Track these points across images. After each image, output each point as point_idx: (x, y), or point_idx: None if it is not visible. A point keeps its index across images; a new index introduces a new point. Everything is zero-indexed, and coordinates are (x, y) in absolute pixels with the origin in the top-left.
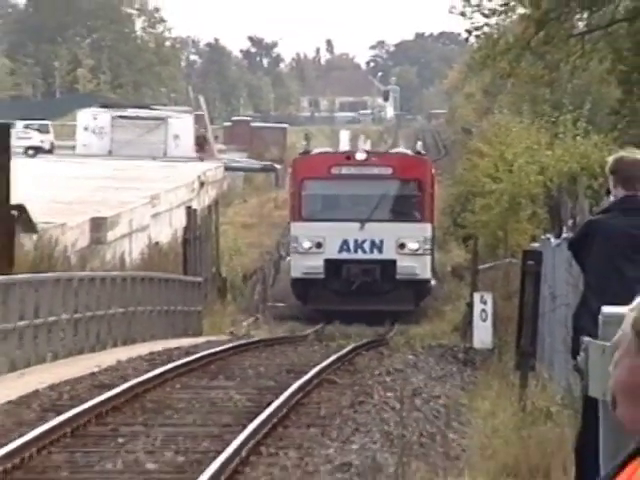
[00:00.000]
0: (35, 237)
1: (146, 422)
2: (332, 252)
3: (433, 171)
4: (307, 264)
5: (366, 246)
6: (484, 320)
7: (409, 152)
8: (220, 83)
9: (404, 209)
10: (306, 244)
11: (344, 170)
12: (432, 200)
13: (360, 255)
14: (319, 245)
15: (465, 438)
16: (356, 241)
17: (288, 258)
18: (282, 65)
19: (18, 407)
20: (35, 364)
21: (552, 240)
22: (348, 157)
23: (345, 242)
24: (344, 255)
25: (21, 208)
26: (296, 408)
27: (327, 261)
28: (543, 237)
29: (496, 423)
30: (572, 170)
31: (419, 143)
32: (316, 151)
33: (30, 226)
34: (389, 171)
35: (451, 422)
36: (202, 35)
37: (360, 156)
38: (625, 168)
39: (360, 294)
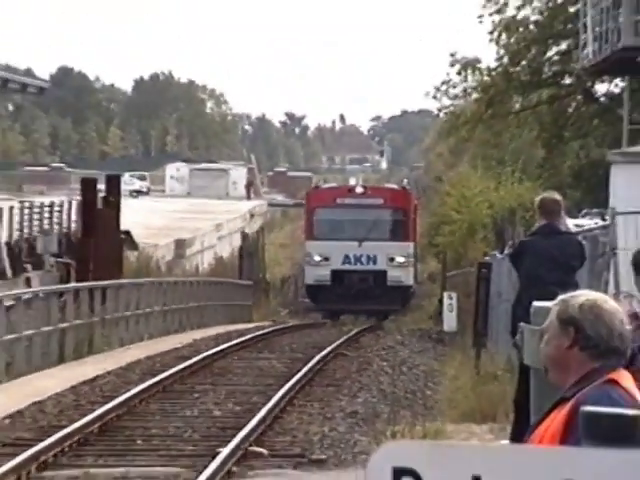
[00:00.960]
0: (137, 253)
1: (214, 382)
2: (337, 264)
3: (415, 202)
4: (317, 273)
5: (363, 259)
6: (451, 311)
7: (396, 187)
8: (265, 145)
9: (392, 231)
10: (317, 258)
11: (346, 200)
12: (414, 224)
13: (359, 266)
14: (327, 259)
15: (437, 394)
16: (355, 255)
17: (304, 268)
18: (309, 132)
19: (126, 371)
20: (137, 342)
21: (498, 255)
22: (350, 190)
23: (347, 256)
24: (346, 266)
25: (127, 233)
26: (318, 373)
27: (333, 271)
28: (492, 253)
29: (459, 383)
30: (511, 206)
31: (405, 180)
32: (325, 186)
33: (133, 245)
34: (381, 201)
35: (428, 383)
36: (253, 110)
37: (359, 190)
38: (546, 204)
39: (358, 297)
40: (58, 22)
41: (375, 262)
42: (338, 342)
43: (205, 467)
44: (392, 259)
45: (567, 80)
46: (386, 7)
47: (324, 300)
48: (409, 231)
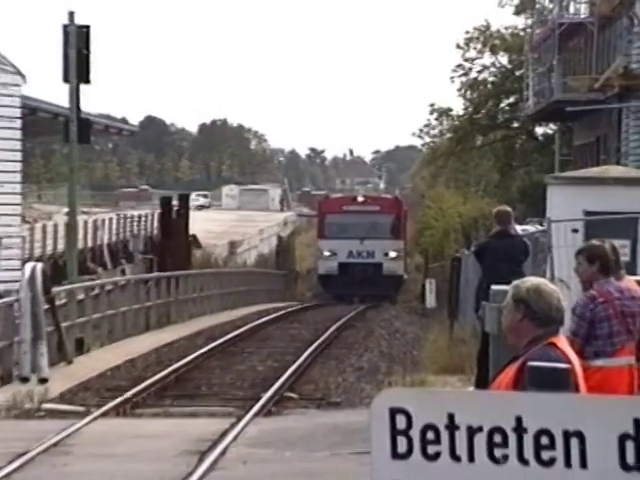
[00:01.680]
0: (200, 251)
1: (258, 345)
2: (342, 258)
3: (405, 208)
4: (327, 265)
5: (364, 254)
6: (431, 293)
7: (390, 196)
8: (295, 171)
9: (387, 231)
10: (327, 253)
11: (350, 207)
12: (405, 226)
13: (360, 260)
14: (335, 253)
15: (421, 354)
16: (357, 251)
17: (317, 262)
18: (326, 162)
19: (194, 337)
20: (201, 316)
21: (465, 252)
22: (353, 199)
23: (351, 252)
24: (350, 260)
25: (194, 236)
26: (334, 339)
27: (339, 263)
28: (461, 251)
29: (437, 346)
30: (475, 216)
31: (397, 191)
32: (333, 196)
33: (198, 245)
34: (378, 208)
35: (414, 346)
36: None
37: (360, 199)
38: (500, 215)
39: (360, 284)
40: (143, 82)
41: (373, 256)
42: (349, 316)
43: (251, 407)
44: (387, 254)
45: (515, 124)
46: (376, 64)
47: (333, 287)
48: (400, 232)
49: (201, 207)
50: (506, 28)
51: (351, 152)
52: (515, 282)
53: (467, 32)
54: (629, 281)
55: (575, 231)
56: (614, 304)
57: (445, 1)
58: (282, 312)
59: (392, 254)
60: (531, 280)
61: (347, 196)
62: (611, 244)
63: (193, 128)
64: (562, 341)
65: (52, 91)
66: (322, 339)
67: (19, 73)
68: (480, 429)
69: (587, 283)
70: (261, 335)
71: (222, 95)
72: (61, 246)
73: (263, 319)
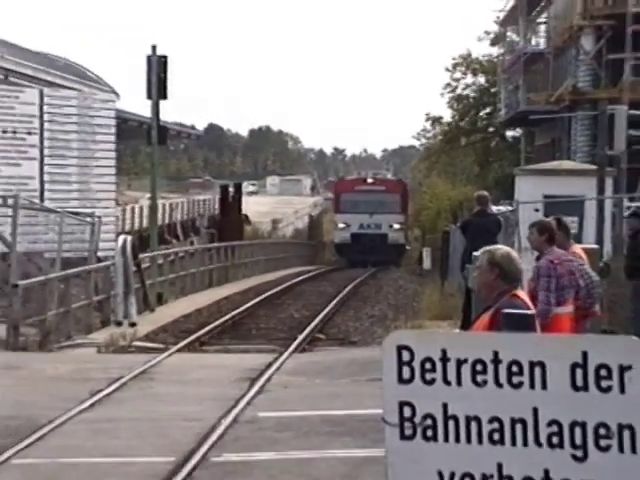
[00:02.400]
0: (250, 227)
1: (294, 298)
2: (354, 229)
3: (408, 188)
4: (342, 235)
5: (372, 226)
6: (427, 258)
7: (395, 178)
8: (322, 166)
9: (391, 207)
10: (341, 225)
11: (361, 187)
12: (406, 203)
13: (369, 231)
14: (348, 225)
15: (419, 305)
16: (367, 223)
17: (333, 233)
18: (346, 158)
19: (246, 293)
20: (251, 276)
21: (453, 227)
22: (363, 180)
23: (361, 224)
24: (361, 231)
25: (245, 215)
26: (352, 293)
27: (352, 234)
28: (450, 226)
29: (432, 298)
30: (460, 199)
31: (400, 176)
32: (347, 178)
33: (248, 222)
34: (384, 187)
35: (415, 298)
36: (315, 145)
37: (370, 180)
38: (480, 198)
39: (369, 251)
40: (206, 97)
41: (380, 228)
42: (363, 277)
43: (290, 345)
44: (391, 226)
45: (490, 129)
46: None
47: (346, 253)
48: (402, 207)
49: (251, 193)
50: (483, 56)
51: (365, 150)
52: (489, 248)
53: (454, 59)
54: (576, 248)
55: (537, 210)
56: (564, 265)
57: (439, 33)
58: (312, 274)
59: (396, 226)
60: (503, 248)
61: (359, 178)
62: (563, 221)
63: (244, 133)
64: (522, 293)
65: (138, 105)
66: (343, 294)
67: (114, 92)
68: (466, 361)
69: (537, 250)
70: (296, 291)
71: (266, 106)
72: (145, 223)
73: (298, 279)
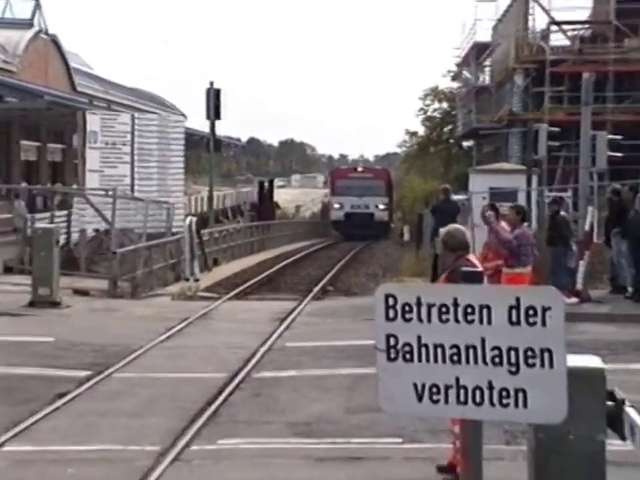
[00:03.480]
0: (280, 210)
1: (311, 262)
2: (347, 209)
3: (392, 175)
4: (337, 214)
5: (362, 206)
6: (407, 233)
7: (380, 168)
8: (331, 167)
9: (377, 191)
10: (336, 205)
11: (353, 174)
12: (390, 188)
13: (359, 210)
14: (342, 206)
15: (400, 266)
16: (357, 204)
17: (330, 212)
18: (349, 162)
19: (277, 258)
20: (280, 246)
21: (425, 211)
22: (354, 169)
23: (353, 205)
24: (353, 210)
25: (276, 202)
26: (352, 259)
27: (345, 213)
28: (424, 210)
29: (410, 262)
30: (431, 191)
31: (385, 167)
32: (341, 167)
33: (278, 207)
34: (372, 175)
35: (397, 262)
36: (326, 152)
37: (360, 169)
38: (444, 189)
39: (359, 227)
40: (247, 117)
41: (368, 208)
42: (360, 247)
43: (308, 294)
44: (377, 206)
45: (452, 141)
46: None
47: (341, 229)
48: (386, 191)
49: (280, 187)
50: (446, 88)
51: (362, 156)
52: (442, 230)
53: (424, 90)
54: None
55: (484, 198)
56: (527, 237)
57: (416, 69)
58: (323, 245)
59: (381, 206)
60: (448, 228)
61: (351, 167)
62: (496, 205)
63: (275, 143)
64: (472, 257)
65: (200, 123)
66: (346, 259)
67: (182, 114)
68: (434, 305)
69: (511, 225)
70: (312, 257)
71: (291, 122)
72: (205, 208)
73: (313, 248)
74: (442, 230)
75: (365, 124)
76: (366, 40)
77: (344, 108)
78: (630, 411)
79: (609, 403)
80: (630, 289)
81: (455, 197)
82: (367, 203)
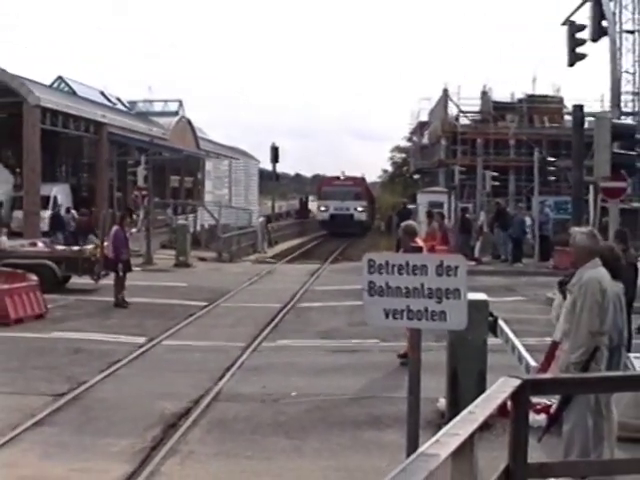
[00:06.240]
0: (311, 214)
1: (328, 242)
2: (331, 211)
3: (366, 184)
4: (323, 215)
5: (343, 209)
6: (385, 228)
7: (359, 176)
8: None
9: (357, 195)
10: (322, 208)
11: (336, 182)
12: (368, 192)
13: (341, 212)
14: (327, 208)
15: (380, 244)
16: (340, 207)
17: (317, 214)
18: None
19: (309, 240)
20: (310, 234)
21: (394, 214)
22: (337, 178)
23: (336, 207)
24: (336, 212)
25: (309, 209)
26: (351, 243)
27: (330, 214)
28: (393, 213)
29: (384, 243)
30: (397, 202)
31: (364, 174)
32: (327, 176)
33: (310, 212)
34: (352, 182)
35: (377, 243)
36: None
37: (342, 177)
38: (404, 203)
39: (342, 226)
40: (288, 156)
41: (348, 210)
42: (349, 241)
43: (326, 260)
44: (356, 208)
45: (408, 175)
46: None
47: (326, 228)
48: (364, 196)
49: (312, 200)
50: (404, 145)
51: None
52: (402, 224)
53: (391, 148)
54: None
55: (425, 208)
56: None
57: (389, 131)
58: (322, 239)
59: (359, 209)
60: (406, 222)
61: (334, 176)
62: (432, 212)
63: (309, 175)
64: (418, 240)
65: (266, 164)
66: (340, 249)
67: (256, 159)
68: (395, 265)
69: (440, 226)
70: (329, 240)
71: (312, 159)
72: (270, 212)
73: (315, 242)
74: (402, 224)
75: (357, 153)
76: (344, 101)
77: (338, 130)
78: (501, 322)
79: (490, 318)
80: (503, 257)
81: (410, 206)
82: (347, 206)
